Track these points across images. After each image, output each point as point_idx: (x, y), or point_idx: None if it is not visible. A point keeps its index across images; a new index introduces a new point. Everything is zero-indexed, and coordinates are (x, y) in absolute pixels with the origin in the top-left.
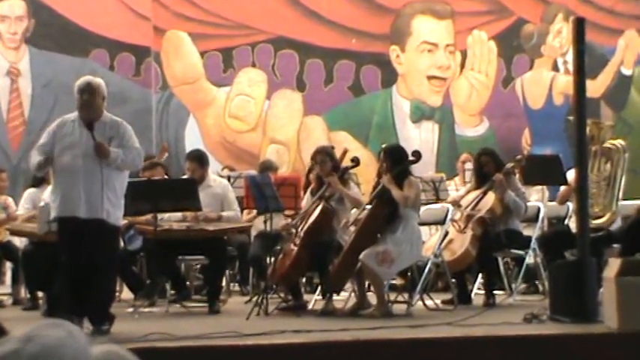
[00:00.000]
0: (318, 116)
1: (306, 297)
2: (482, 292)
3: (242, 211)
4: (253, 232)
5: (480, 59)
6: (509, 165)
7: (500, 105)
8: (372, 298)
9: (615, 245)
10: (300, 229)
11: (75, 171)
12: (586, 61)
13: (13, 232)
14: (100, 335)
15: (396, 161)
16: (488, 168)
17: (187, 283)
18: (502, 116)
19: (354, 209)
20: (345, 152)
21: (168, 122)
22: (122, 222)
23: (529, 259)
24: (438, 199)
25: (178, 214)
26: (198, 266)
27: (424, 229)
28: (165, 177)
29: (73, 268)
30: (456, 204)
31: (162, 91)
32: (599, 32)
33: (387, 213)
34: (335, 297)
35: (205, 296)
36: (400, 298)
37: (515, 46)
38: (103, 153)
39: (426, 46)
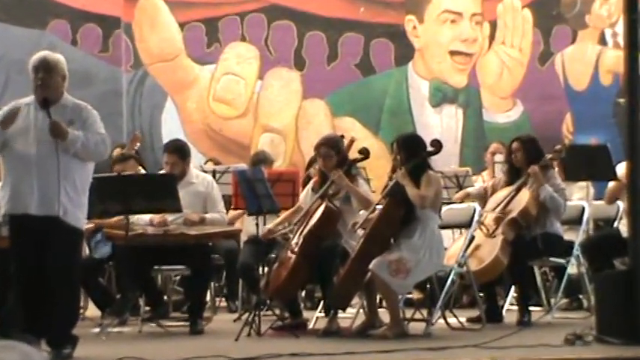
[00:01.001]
0: (319, 99)
1: (305, 314)
2: (516, 308)
3: (228, 212)
4: (243, 238)
5: (512, 31)
6: (547, 156)
7: (536, 85)
8: (384, 315)
9: None
10: (298, 233)
11: (27, 160)
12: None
13: None
14: None
15: (412, 153)
16: (517, 157)
17: (165, 297)
18: (539, 99)
19: (363, 210)
20: (351, 142)
21: (142, 107)
22: (86, 224)
23: (571, 269)
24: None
25: (145, 217)
26: (178, 278)
27: (446, 233)
28: (139, 171)
29: (27, 279)
30: (470, 199)
31: (135, 69)
32: None
33: (401, 214)
34: (340, 314)
35: (186, 313)
36: (418, 316)
37: (554, 16)
38: (59, 133)
39: (448, 16)
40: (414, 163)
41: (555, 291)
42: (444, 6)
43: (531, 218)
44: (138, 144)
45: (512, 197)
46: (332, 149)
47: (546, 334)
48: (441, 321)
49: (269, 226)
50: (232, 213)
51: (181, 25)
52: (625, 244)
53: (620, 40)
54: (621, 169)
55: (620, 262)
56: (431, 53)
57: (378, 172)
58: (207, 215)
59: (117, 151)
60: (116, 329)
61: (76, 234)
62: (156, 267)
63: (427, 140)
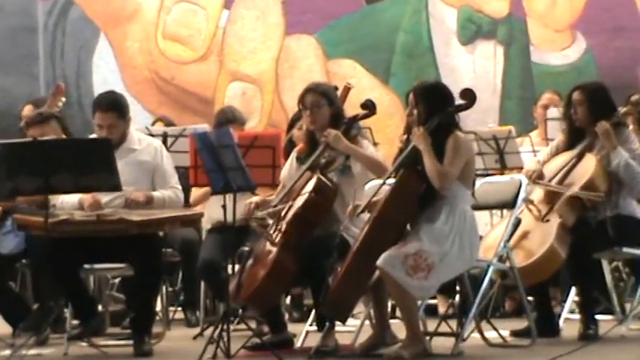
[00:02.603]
0: (308, 36)
1: (291, 328)
2: (577, 316)
3: (187, 192)
4: (206, 225)
5: None
6: (620, 111)
7: (603, 14)
8: (398, 328)
9: None
10: (281, 217)
11: None
12: None
13: None
14: None
15: (435, 107)
16: (578, 113)
17: (99, 307)
18: (607, 32)
19: (370, 183)
20: (347, 89)
21: (65, 47)
22: None
23: None
24: (503, 168)
25: (73, 198)
26: (117, 280)
27: (482, 216)
28: (63, 136)
29: None
30: (536, 176)
31: None
32: None
33: (420, 190)
34: (338, 327)
35: (129, 329)
36: (444, 328)
37: None
38: None
39: None
40: (437, 122)
41: (631, 293)
42: None
43: (599, 195)
44: (62, 99)
45: (573, 166)
46: (323, 97)
47: (619, 352)
48: (476, 335)
49: (255, 198)
50: (196, 193)
51: None
52: None
53: None
54: None
55: None
56: None
57: (388, 134)
58: (156, 193)
59: (29, 109)
60: (33, 351)
61: None
62: (87, 266)
63: (455, 90)
